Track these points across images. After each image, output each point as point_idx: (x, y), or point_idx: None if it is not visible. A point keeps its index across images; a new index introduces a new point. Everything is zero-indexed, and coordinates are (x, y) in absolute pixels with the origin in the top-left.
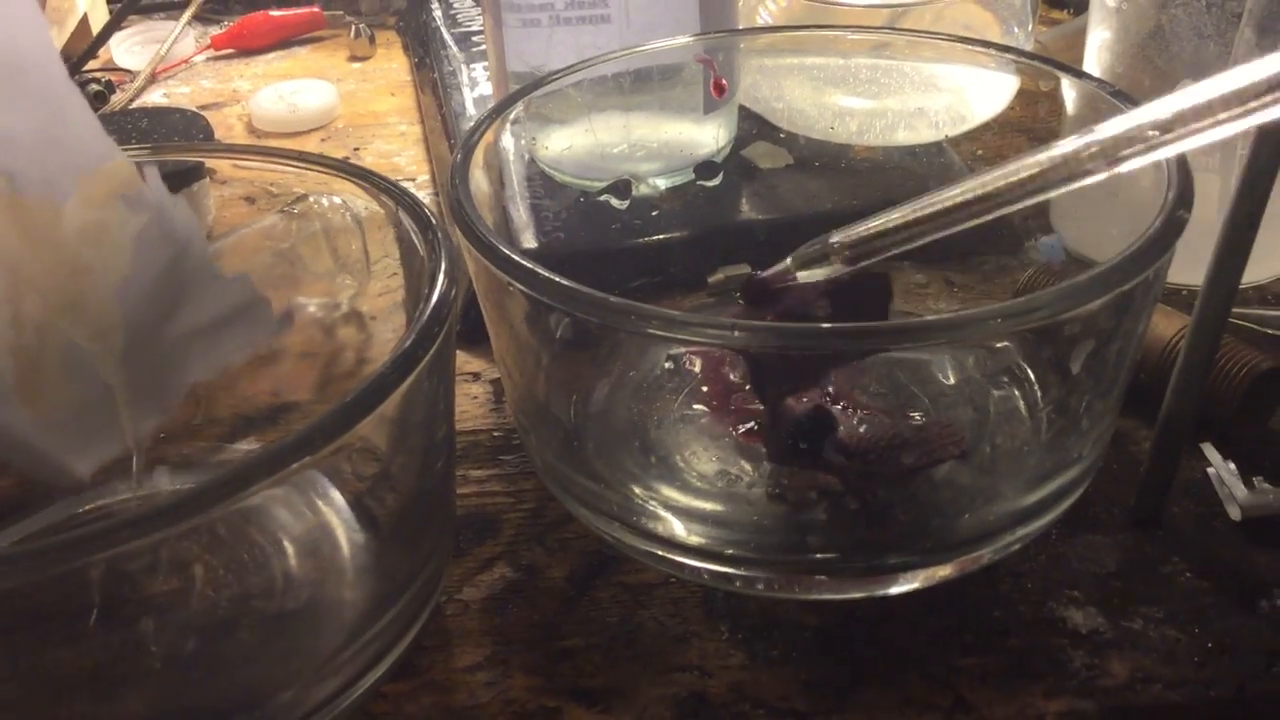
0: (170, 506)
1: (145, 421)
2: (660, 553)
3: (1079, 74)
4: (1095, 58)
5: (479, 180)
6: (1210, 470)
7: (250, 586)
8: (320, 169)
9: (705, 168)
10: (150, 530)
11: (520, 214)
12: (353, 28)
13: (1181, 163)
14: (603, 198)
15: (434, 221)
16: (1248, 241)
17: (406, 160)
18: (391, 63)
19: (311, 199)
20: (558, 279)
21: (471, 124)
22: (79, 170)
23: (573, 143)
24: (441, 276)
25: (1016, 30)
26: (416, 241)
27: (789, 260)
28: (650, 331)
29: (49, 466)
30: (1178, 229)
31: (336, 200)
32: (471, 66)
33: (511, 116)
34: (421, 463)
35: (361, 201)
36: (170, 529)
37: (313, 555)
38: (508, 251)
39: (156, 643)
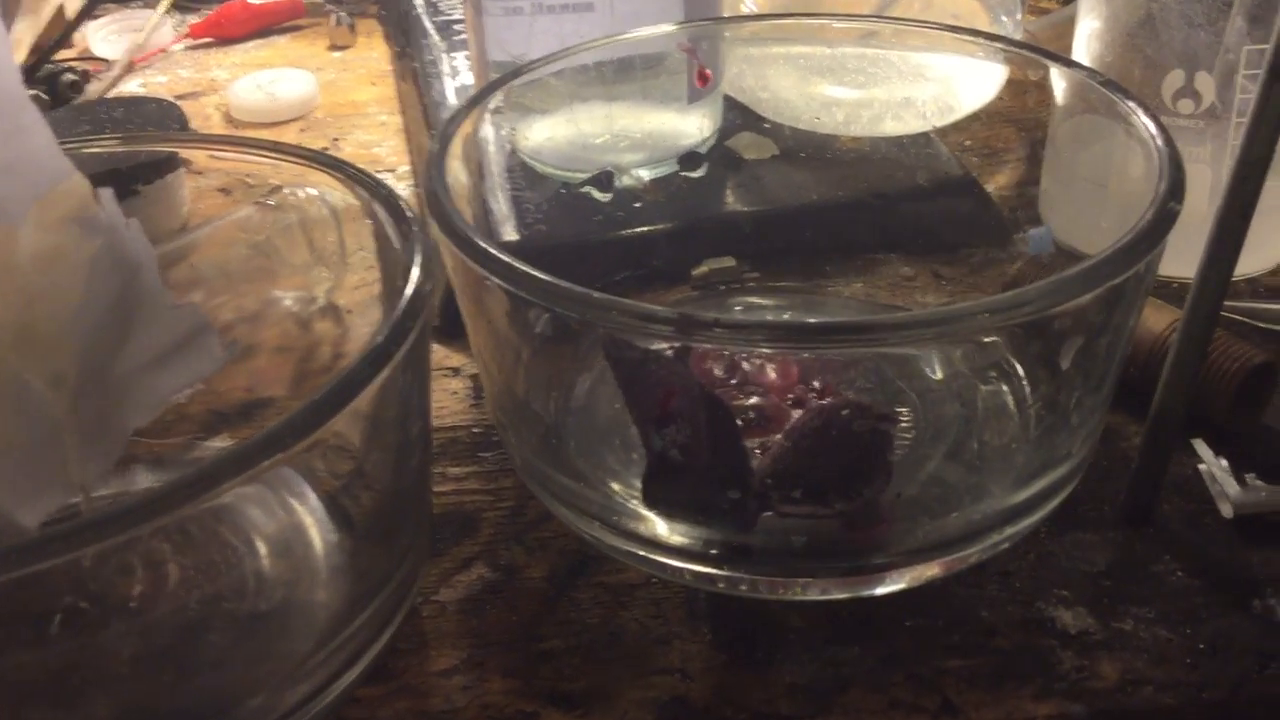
0: (136, 507)
1: (91, 465)
2: (642, 553)
3: (1069, 63)
4: (1085, 46)
5: (457, 172)
6: (1202, 467)
7: (221, 587)
8: (295, 160)
9: (689, 159)
10: (115, 531)
11: (500, 206)
12: (333, 16)
13: (1173, 154)
14: (585, 189)
15: (409, 214)
16: (1240, 234)
17: (387, 151)
18: (372, 52)
19: (287, 190)
20: (535, 273)
21: (450, 114)
22: (34, 192)
23: (554, 133)
24: (416, 270)
25: (1005, 19)
26: (391, 234)
27: None
28: (630, 327)
29: None
30: (1169, 222)
31: (313, 192)
32: (453, 55)
33: (491, 106)
34: (396, 460)
35: (338, 193)
36: (136, 530)
37: (285, 555)
38: (484, 245)
39: (124, 646)
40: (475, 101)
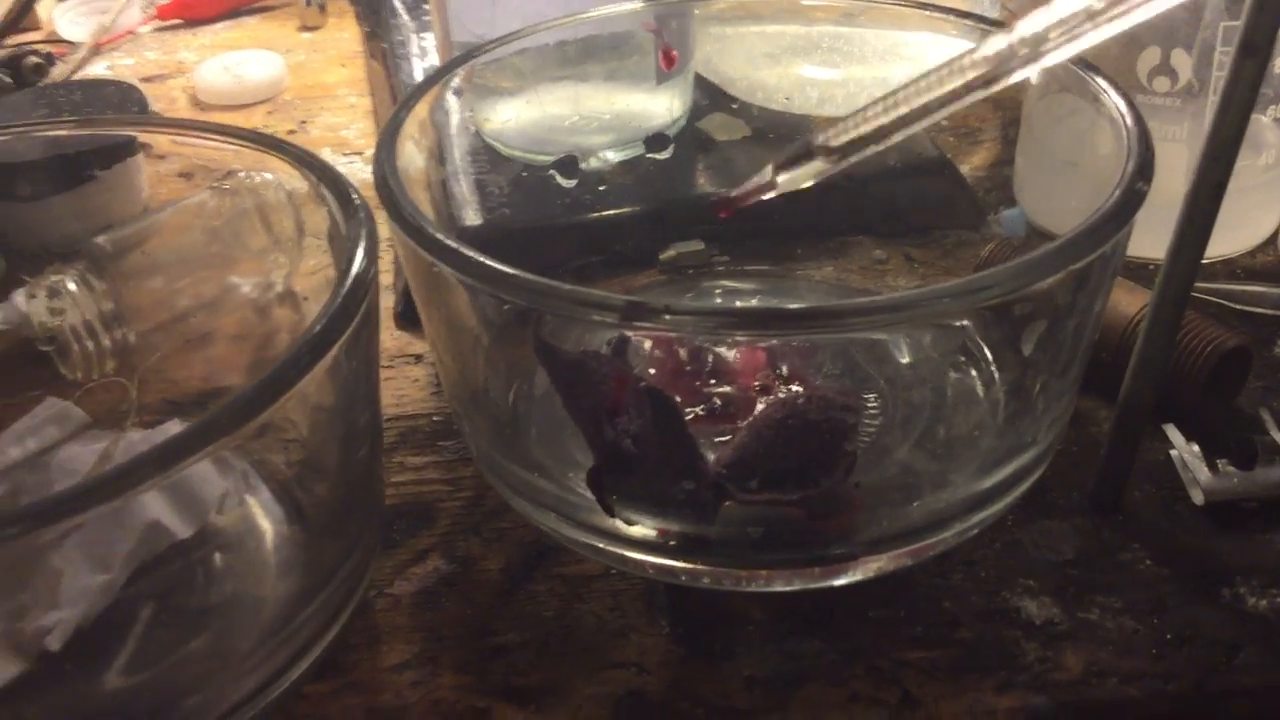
0: (46, 506)
1: None
2: (601, 545)
3: None
4: None
5: (412, 154)
6: (1174, 453)
7: (168, 579)
8: (241, 143)
9: (655, 140)
10: (27, 529)
11: (462, 189)
12: None
13: (1142, 134)
14: (549, 174)
15: (354, 198)
16: (1210, 215)
17: (355, 133)
18: (343, 32)
19: (242, 174)
20: (481, 259)
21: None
22: None
23: (518, 114)
24: (359, 255)
25: None
26: (339, 218)
27: (768, 169)
28: (579, 314)
29: None
30: (1136, 203)
31: (269, 176)
32: (422, 35)
33: (452, 86)
34: (342, 451)
35: (294, 177)
36: (50, 527)
37: (235, 548)
38: (429, 229)
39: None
40: (431, 82)
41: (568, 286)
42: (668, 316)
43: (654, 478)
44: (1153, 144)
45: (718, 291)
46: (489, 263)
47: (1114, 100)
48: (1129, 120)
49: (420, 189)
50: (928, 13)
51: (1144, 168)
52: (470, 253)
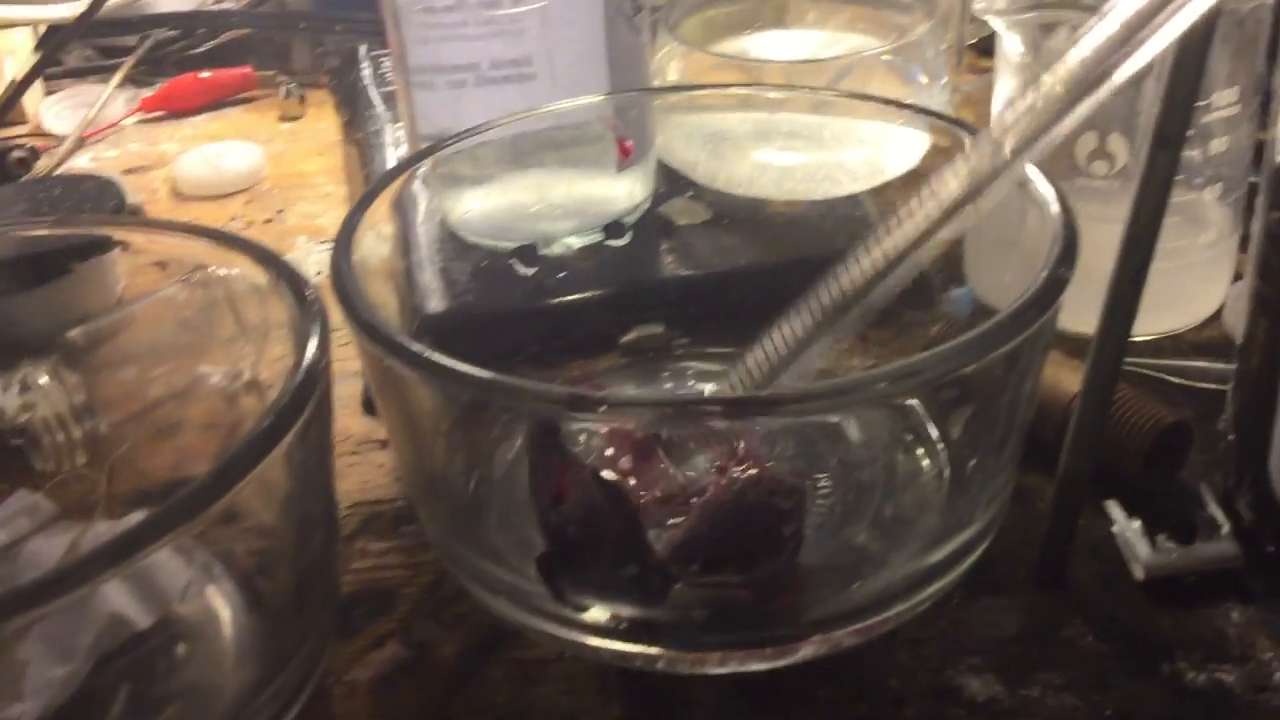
0: (6, 599)
1: None
2: (554, 630)
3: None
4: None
5: (374, 245)
6: (1115, 528)
7: (129, 669)
8: (202, 239)
9: (612, 227)
10: None
11: (426, 277)
12: (283, 88)
13: (1067, 220)
14: (510, 262)
15: (309, 292)
16: (1134, 298)
17: (330, 221)
18: (322, 123)
19: (211, 268)
20: (424, 352)
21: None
22: None
23: (482, 203)
24: (312, 346)
25: (923, 79)
26: (294, 310)
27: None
28: (518, 406)
29: None
30: (1059, 288)
31: (236, 270)
32: (397, 126)
33: (417, 178)
34: (298, 540)
35: (259, 270)
36: (8, 623)
37: (194, 636)
38: (374, 322)
39: None
40: (393, 175)
41: (510, 380)
42: (604, 408)
43: (600, 562)
44: (1078, 230)
45: (689, 373)
46: (433, 358)
47: (1041, 186)
48: (1055, 208)
49: (383, 279)
50: (879, 104)
51: (1068, 253)
52: (416, 348)
